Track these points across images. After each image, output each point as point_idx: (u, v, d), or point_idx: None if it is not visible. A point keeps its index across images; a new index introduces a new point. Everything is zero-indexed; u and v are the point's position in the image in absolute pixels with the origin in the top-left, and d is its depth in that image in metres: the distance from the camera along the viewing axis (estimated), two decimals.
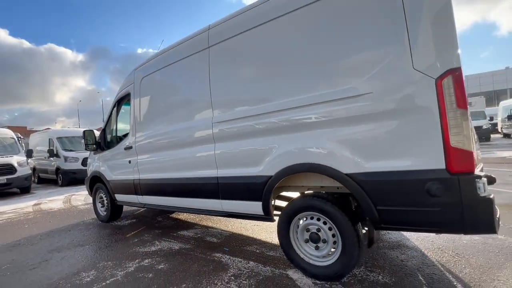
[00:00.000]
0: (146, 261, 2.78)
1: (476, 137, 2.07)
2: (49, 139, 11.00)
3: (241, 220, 3.77)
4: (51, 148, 10.66)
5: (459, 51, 1.60)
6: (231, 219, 3.86)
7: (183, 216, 4.46)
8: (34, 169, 12.07)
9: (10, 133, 9.58)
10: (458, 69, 1.58)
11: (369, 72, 1.83)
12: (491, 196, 1.54)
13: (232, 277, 2.30)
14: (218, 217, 3.91)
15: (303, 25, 2.13)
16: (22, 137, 21.18)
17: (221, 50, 2.67)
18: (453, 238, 2.70)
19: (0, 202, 7.43)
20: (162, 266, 2.62)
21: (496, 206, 1.58)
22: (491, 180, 1.69)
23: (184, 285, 2.23)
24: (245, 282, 2.20)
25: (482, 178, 1.55)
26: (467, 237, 2.68)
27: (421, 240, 2.73)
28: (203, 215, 4.25)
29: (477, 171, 1.62)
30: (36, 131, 17.28)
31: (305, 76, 2.13)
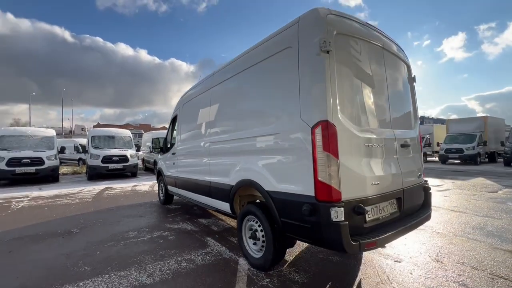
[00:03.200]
0: (166, 233, 4.10)
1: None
2: (152, 138, 14.74)
3: None
4: (152, 145, 14.29)
5: (329, 109, 2.07)
6: None
7: None
8: (143, 160, 16.32)
9: (128, 133, 13.53)
10: (326, 121, 2.06)
11: (280, 118, 2.48)
12: (342, 223, 1.96)
13: (203, 253, 3.28)
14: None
15: (248, 83, 2.96)
16: (144, 133, 27.77)
17: (214, 91, 3.73)
18: (405, 265, 2.79)
19: (114, 182, 10.79)
20: (171, 238, 3.87)
21: (347, 230, 1.96)
22: (360, 211, 2.07)
23: (173, 250, 3.37)
24: (208, 257, 3.14)
25: (337, 207, 1.98)
26: (415, 267, 2.73)
27: (372, 258, 2.93)
28: None
29: (343, 200, 2.03)
30: (156, 128, 22.74)
31: (249, 117, 2.94)
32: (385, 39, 2.77)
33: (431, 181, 8.93)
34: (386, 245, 3.32)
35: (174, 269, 2.86)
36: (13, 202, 6.68)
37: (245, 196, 3.30)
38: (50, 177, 10.32)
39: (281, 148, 2.44)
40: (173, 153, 5.33)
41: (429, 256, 3.06)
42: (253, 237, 2.89)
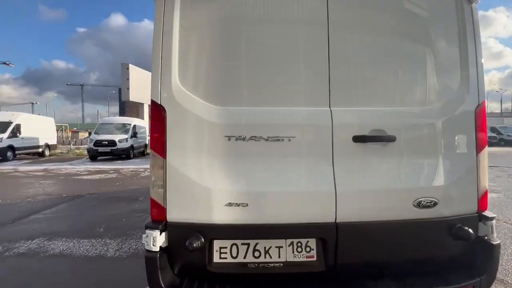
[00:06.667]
0: None
1: None
2: None
3: None
4: None
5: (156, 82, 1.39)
6: None
7: None
8: None
9: None
10: (152, 102, 1.41)
11: None
12: (150, 254, 1.34)
13: None
14: None
15: None
16: None
17: None
18: None
19: None
20: None
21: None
22: (191, 244, 1.33)
23: None
24: None
25: (150, 230, 1.40)
26: None
27: None
28: None
29: (170, 222, 1.39)
30: None
31: None
32: None
33: None
34: None
35: (130, 248, 3.12)
36: (145, 171, 9.48)
37: None
38: (123, 155, 13.94)
39: None
40: None
41: None
42: None
